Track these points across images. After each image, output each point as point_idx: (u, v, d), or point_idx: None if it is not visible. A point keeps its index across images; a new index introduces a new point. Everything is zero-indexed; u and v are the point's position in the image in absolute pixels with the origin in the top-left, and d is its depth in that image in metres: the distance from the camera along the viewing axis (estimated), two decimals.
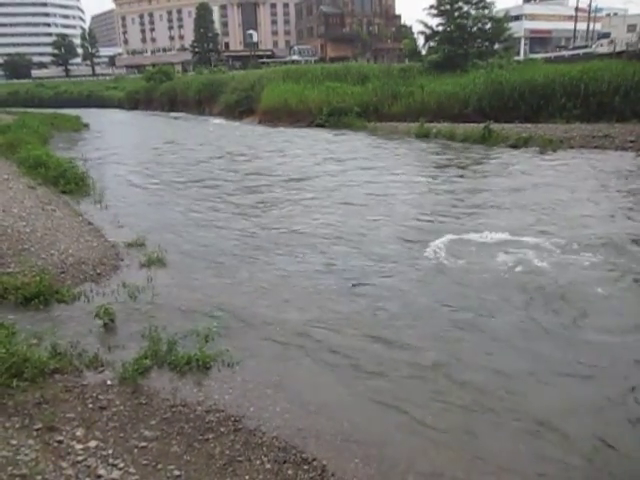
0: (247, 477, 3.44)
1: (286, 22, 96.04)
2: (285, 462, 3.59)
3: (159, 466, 3.54)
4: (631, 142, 16.95)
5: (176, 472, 3.49)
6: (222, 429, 3.94)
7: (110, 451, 3.64)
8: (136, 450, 3.69)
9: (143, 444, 3.75)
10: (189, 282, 6.79)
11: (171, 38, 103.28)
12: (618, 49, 39.14)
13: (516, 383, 4.53)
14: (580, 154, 16.16)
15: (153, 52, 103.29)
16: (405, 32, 71.11)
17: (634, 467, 3.63)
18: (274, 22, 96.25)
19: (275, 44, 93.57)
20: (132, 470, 3.48)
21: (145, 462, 3.57)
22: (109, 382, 4.50)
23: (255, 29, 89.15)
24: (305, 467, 3.54)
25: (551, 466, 3.61)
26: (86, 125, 31.94)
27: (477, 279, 6.68)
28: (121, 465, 3.51)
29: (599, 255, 7.30)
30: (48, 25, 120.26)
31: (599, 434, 3.87)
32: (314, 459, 3.62)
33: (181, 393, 4.39)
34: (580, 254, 7.34)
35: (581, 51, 43.98)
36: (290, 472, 3.50)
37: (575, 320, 5.57)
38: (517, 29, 48.10)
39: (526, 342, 5.17)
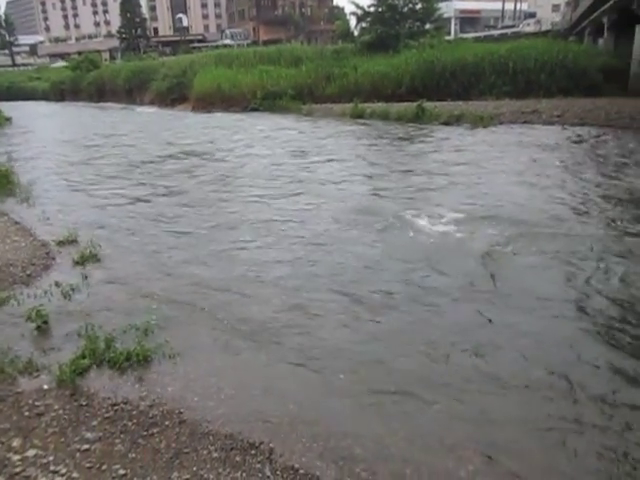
0: (194, 468, 3.42)
1: (217, 5, 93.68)
2: (232, 449, 3.59)
3: (104, 467, 3.46)
4: (557, 116, 17.81)
5: (121, 471, 3.43)
6: (167, 422, 3.89)
7: (50, 458, 3.52)
8: (78, 454, 3.59)
9: (85, 447, 3.65)
10: (125, 276, 6.61)
11: (96, 24, 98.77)
12: (544, 28, 40.95)
13: (464, 352, 4.71)
14: (510, 129, 16.80)
15: (78, 39, 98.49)
16: (338, 13, 70.95)
17: None
18: (204, 5, 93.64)
19: (206, 28, 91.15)
20: (75, 475, 3.39)
21: (89, 465, 3.48)
22: (46, 387, 4.33)
23: (185, 13, 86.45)
24: (252, 452, 3.56)
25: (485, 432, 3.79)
26: (8, 119, 30.12)
27: (414, 254, 6.87)
28: (63, 471, 3.41)
29: (523, 226, 7.67)
30: None
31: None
32: (261, 443, 3.64)
33: (122, 390, 4.29)
34: (508, 227, 7.69)
35: (509, 30, 45.55)
36: (238, 458, 3.51)
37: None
38: (447, 9, 49.00)
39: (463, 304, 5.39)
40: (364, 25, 32.50)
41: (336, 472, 3.36)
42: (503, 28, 51.44)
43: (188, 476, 3.34)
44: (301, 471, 3.36)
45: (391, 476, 3.36)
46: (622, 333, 4.90)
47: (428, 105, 19.87)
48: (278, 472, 3.36)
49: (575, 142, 14.45)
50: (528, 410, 3.94)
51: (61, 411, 4.03)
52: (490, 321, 5.17)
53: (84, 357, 4.60)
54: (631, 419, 3.79)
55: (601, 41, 27.68)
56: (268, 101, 26.22)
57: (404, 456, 3.54)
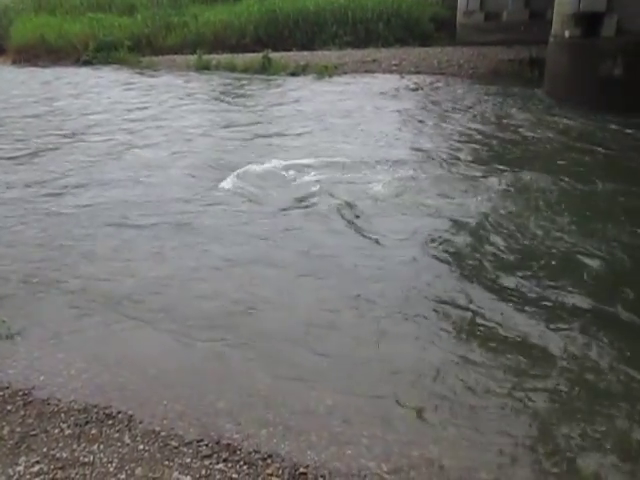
0: (45, 449, 3.19)
1: None
2: (87, 423, 3.40)
3: None
4: (395, 65, 18.67)
5: None
6: (9, 407, 3.56)
7: None
8: None
9: None
10: None
11: None
12: None
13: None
14: (353, 78, 17.30)
15: None
16: None
17: None
18: None
19: None
20: None
21: None
22: None
23: None
24: (110, 422, 3.40)
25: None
26: None
27: (269, 205, 6.91)
28: None
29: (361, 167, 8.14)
30: None
31: None
32: (119, 412, 3.49)
33: None
34: (358, 170, 8.04)
35: None
36: (94, 431, 3.34)
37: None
38: None
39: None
40: None
41: (199, 428, 3.35)
42: None
43: (38, 458, 3.12)
44: (163, 433, 3.30)
45: (255, 423, 3.43)
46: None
47: (274, 56, 19.65)
48: (138, 438, 3.26)
49: (412, 90, 15.32)
50: (382, 345, 4.23)
51: None
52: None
53: None
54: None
55: None
56: (102, 53, 23.95)
57: (267, 402, 3.62)
